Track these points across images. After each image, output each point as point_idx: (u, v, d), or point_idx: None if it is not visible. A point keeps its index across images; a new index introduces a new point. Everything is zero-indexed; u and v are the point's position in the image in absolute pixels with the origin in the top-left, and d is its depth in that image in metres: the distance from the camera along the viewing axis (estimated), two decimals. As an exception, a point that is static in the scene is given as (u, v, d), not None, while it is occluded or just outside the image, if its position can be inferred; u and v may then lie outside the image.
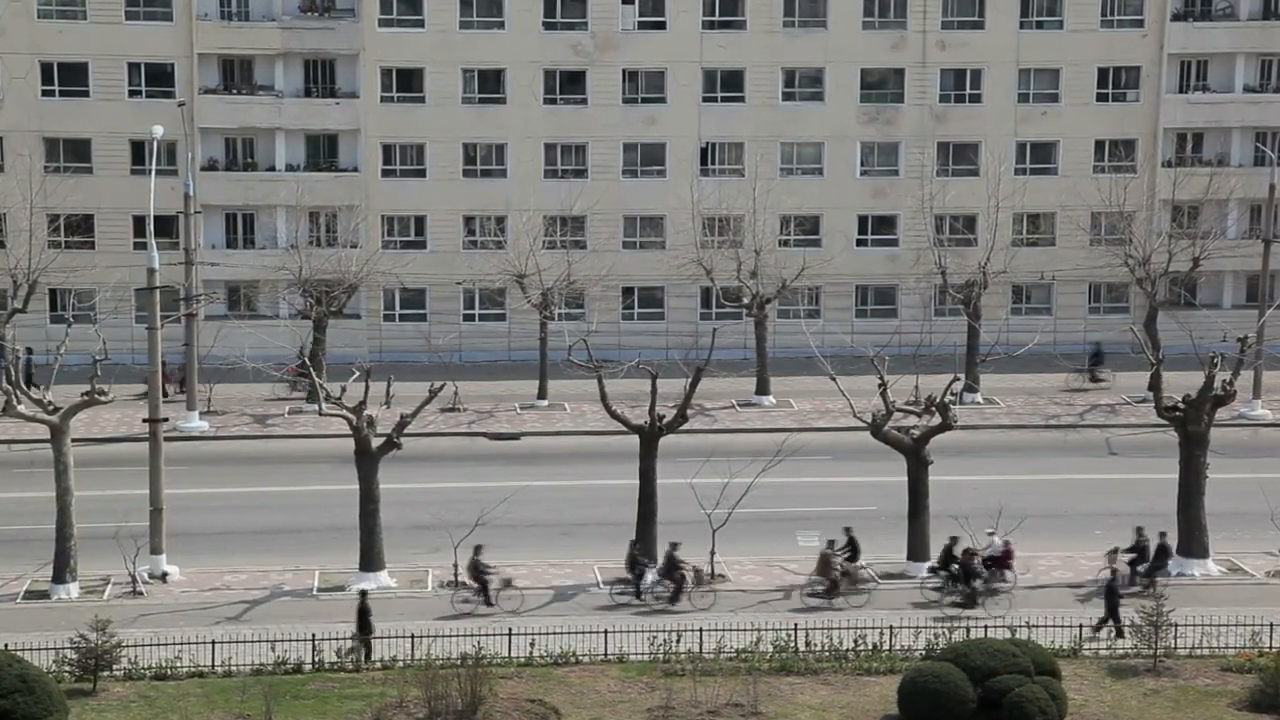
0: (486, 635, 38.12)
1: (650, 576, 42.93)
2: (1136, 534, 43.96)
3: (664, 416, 44.93)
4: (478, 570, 42.32)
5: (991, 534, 43.73)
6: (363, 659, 37.93)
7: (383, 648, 38.02)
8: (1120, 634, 39.46)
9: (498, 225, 70.31)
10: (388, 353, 68.89)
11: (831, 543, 43.48)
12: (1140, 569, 43.50)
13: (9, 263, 60.76)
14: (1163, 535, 43.77)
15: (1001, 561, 43.45)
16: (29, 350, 63.18)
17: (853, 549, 43.71)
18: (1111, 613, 40.04)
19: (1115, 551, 43.23)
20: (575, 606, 42.43)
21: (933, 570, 43.36)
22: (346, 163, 70.61)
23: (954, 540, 43.14)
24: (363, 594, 39.47)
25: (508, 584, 42.51)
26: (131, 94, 69.11)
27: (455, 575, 43.84)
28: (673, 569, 42.67)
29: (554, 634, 38.68)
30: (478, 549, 42.55)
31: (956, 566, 42.72)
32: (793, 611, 41.64)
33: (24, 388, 43.53)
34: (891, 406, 44.96)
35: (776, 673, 37.11)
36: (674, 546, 42.83)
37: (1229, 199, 70.41)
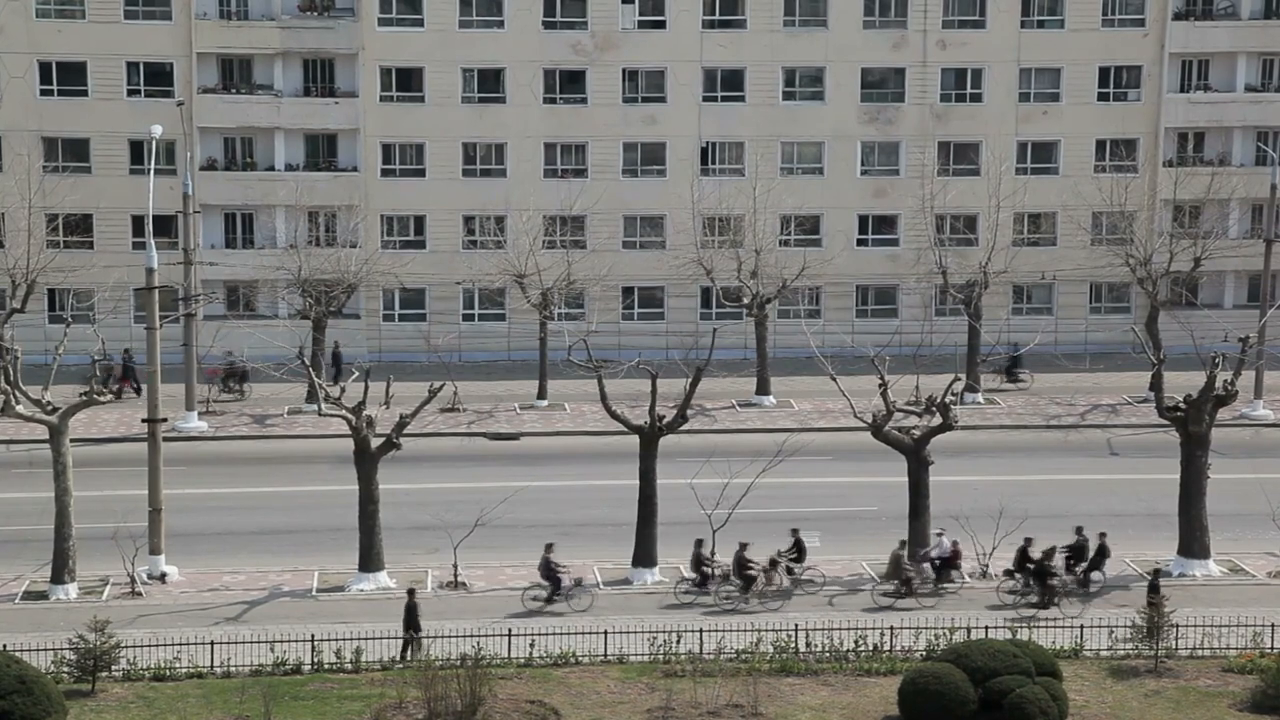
0: (486, 636, 38.04)
1: (716, 574, 43.05)
2: (1076, 533, 43.97)
3: (664, 417, 44.86)
4: (550, 569, 42.31)
5: (940, 535, 43.75)
6: (411, 655, 37.92)
7: (382, 648, 37.94)
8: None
9: (497, 225, 70.22)
10: (387, 353, 68.88)
11: (903, 543, 43.43)
12: (1079, 568, 43.52)
13: (7, 262, 60.69)
14: (1103, 536, 43.69)
15: (949, 562, 43.49)
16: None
17: (799, 551, 43.67)
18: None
19: (1054, 550, 43.38)
20: (645, 604, 42.38)
21: (1009, 572, 43.29)
22: (346, 162, 70.53)
23: (1029, 541, 43.18)
24: (411, 592, 39.40)
25: (578, 583, 42.60)
26: (130, 93, 69.02)
27: (455, 576, 43.82)
28: (743, 567, 42.69)
29: (553, 635, 38.63)
30: (549, 547, 42.63)
31: (1032, 567, 42.71)
32: (872, 611, 41.61)
33: (21, 387, 43.42)
34: (892, 407, 44.90)
35: (777, 674, 37.10)
36: (743, 546, 42.92)
37: (1230, 199, 70.32)
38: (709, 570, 43.02)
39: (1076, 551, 43.68)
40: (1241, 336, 47.98)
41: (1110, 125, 72.25)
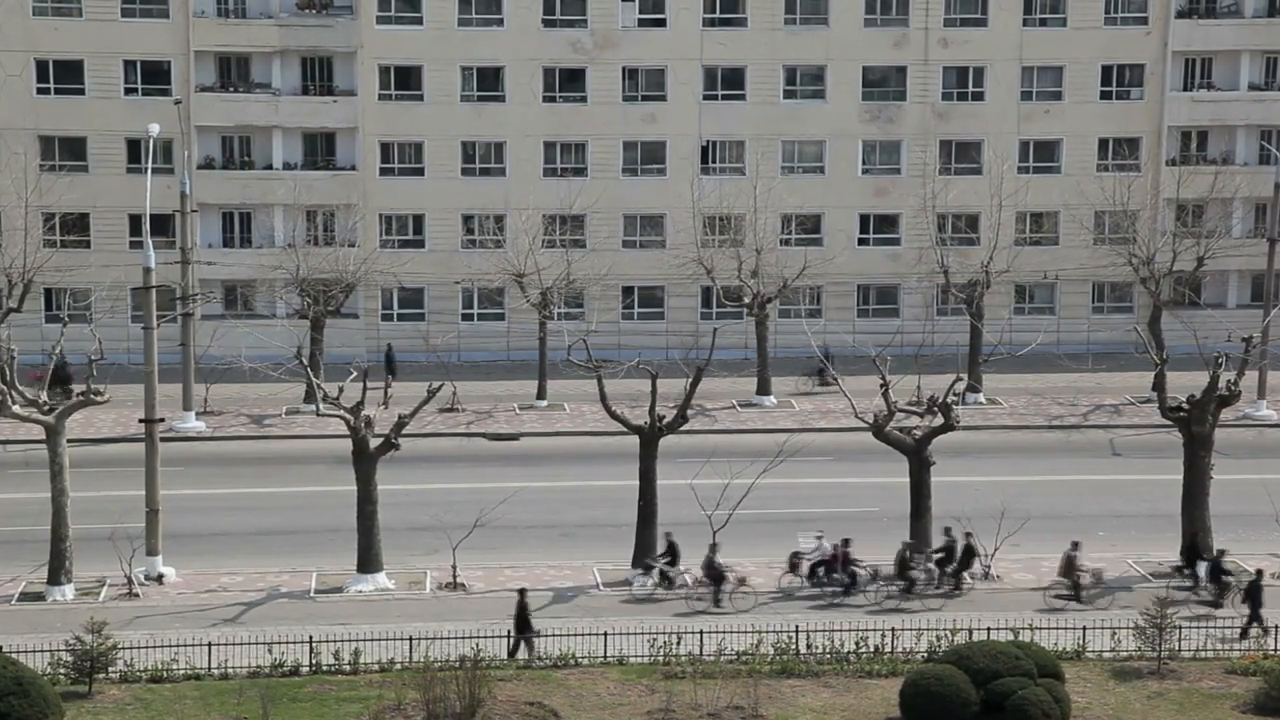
0: (484, 637, 37.92)
1: (864, 574, 43.01)
2: (945, 534, 43.80)
3: (664, 417, 44.80)
4: (713, 568, 42.27)
5: (820, 536, 43.53)
6: (528, 655, 38.02)
7: (380, 650, 37.78)
8: (1264, 631, 39.29)
9: (496, 224, 70.06)
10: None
11: (1076, 544, 43.21)
12: (948, 569, 43.38)
13: (4, 262, 60.55)
14: (969, 536, 43.51)
15: (831, 565, 43.26)
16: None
17: (672, 554, 43.38)
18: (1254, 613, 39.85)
19: (922, 551, 43.33)
20: (646, 605, 42.25)
21: (1178, 569, 43.15)
22: (344, 161, 70.42)
23: (1195, 537, 42.98)
24: (521, 592, 39.40)
25: (741, 582, 42.54)
26: (127, 92, 68.93)
27: (454, 577, 43.67)
28: (712, 567, 42.66)
29: (553, 636, 38.54)
30: (714, 547, 42.58)
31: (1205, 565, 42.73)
32: (874, 613, 41.50)
33: (18, 387, 43.21)
34: (893, 407, 44.80)
35: (777, 675, 36.98)
36: (713, 549, 42.79)
37: (1234, 198, 70.14)
38: (721, 573, 42.72)
39: (946, 552, 43.55)
40: (1245, 336, 47.99)
41: (1113, 124, 72.11)
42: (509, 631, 38.57)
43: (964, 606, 41.88)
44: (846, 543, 43.27)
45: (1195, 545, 43.21)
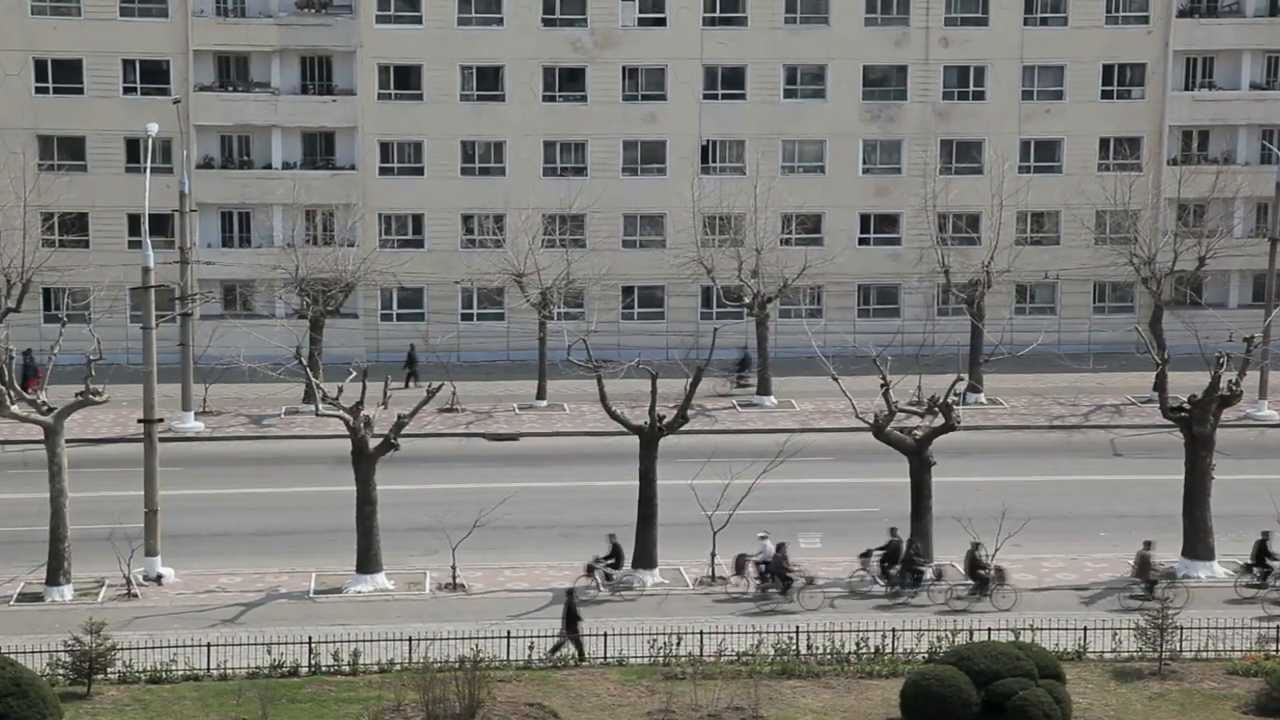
0: (485, 638, 37.86)
1: (929, 574, 42.99)
2: (890, 534, 43.72)
3: (664, 417, 44.73)
4: (781, 567, 42.30)
5: (763, 538, 43.39)
6: (577, 655, 38.02)
7: (380, 650, 37.73)
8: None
9: (496, 224, 69.96)
10: (385, 352, 68.57)
11: (1149, 544, 43.17)
12: (893, 570, 43.29)
13: (2, 262, 60.45)
14: (912, 537, 43.41)
15: (774, 567, 43.10)
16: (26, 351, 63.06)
17: (616, 557, 43.26)
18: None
19: (869, 554, 43.30)
20: (647, 605, 42.37)
21: (1247, 567, 43.17)
22: (343, 160, 70.33)
23: (1267, 535, 42.99)
24: (569, 592, 39.49)
25: (810, 581, 42.50)
26: (126, 91, 68.85)
27: (454, 577, 43.61)
28: (781, 568, 42.61)
29: (552, 637, 38.47)
30: (783, 546, 42.56)
31: (1274, 562, 42.69)
32: (873, 612, 41.36)
33: (16, 387, 43.11)
34: (894, 407, 44.73)
35: (778, 676, 36.94)
36: (781, 547, 42.73)
37: (1235, 197, 70.00)
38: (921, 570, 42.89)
39: (889, 553, 43.42)
40: (1246, 336, 47.88)
41: (1114, 123, 72.01)
42: (559, 630, 38.53)
43: (1031, 607, 41.62)
44: (782, 547, 43.17)
45: (1265, 544, 43.06)
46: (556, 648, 38.34)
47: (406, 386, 62.53)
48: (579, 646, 38.36)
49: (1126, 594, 42.63)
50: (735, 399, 64.08)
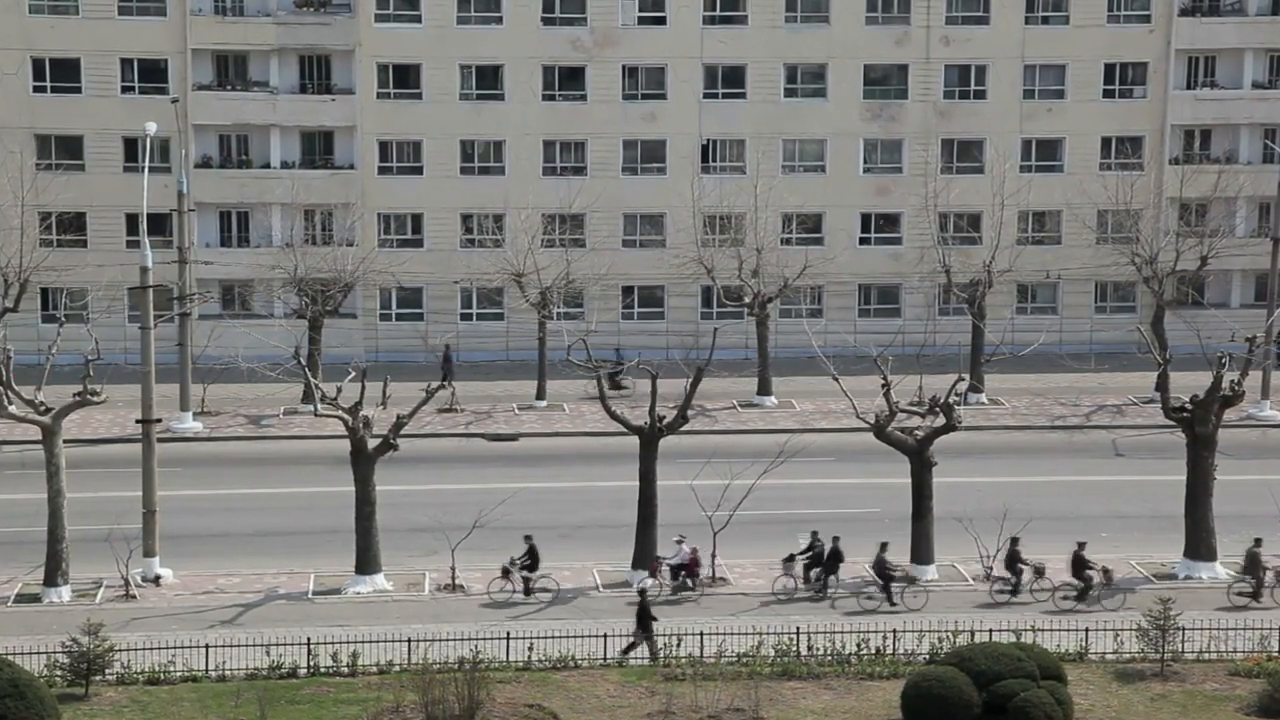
0: (484, 639, 37.79)
1: (1027, 574, 42.98)
2: (811, 537, 43.56)
3: (664, 417, 44.63)
4: (883, 568, 42.40)
5: (680, 541, 43.28)
6: (650, 655, 37.96)
7: (379, 651, 37.62)
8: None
9: (495, 223, 69.86)
10: (384, 352, 68.48)
11: (1259, 540, 43.06)
12: (814, 573, 43.13)
13: (0, 261, 60.19)
14: (836, 540, 43.27)
15: (689, 569, 43.07)
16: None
17: (532, 558, 43.06)
18: None
19: (791, 558, 43.15)
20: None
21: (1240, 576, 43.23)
22: (342, 160, 70.22)
23: (1259, 543, 42.93)
24: (642, 592, 39.43)
25: (913, 581, 42.76)
26: (124, 90, 68.78)
27: (453, 578, 43.52)
28: (883, 569, 42.60)
29: (552, 638, 38.36)
30: (883, 546, 42.60)
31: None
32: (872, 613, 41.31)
33: (14, 388, 43.01)
34: (895, 407, 44.59)
35: (778, 677, 36.83)
36: (883, 547, 42.73)
37: (1237, 196, 69.94)
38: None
39: (813, 556, 43.27)
40: (1248, 336, 47.75)
41: (1115, 122, 71.89)
42: (634, 630, 38.43)
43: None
44: (884, 547, 43.00)
45: (1257, 552, 42.98)
46: (630, 648, 38.28)
47: (444, 387, 62.92)
48: (652, 646, 38.26)
49: (1234, 590, 42.54)
50: (737, 401, 63.93)
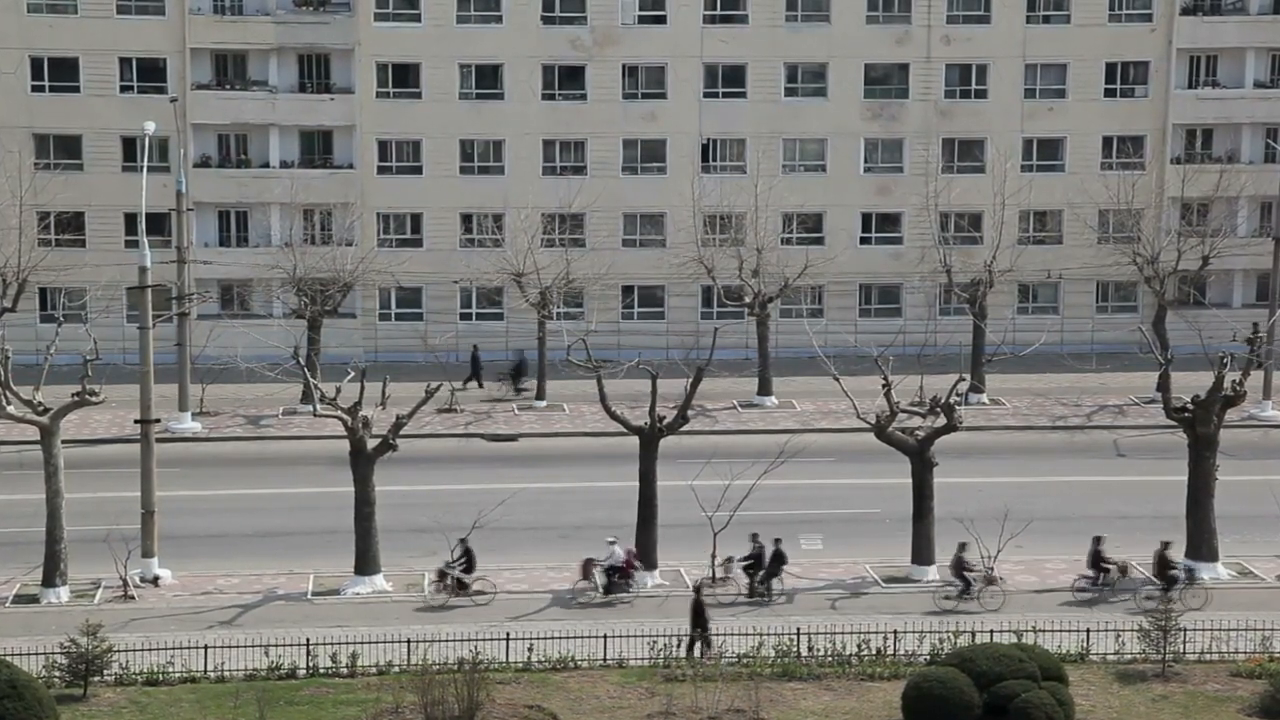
0: (484, 640, 37.69)
1: (1113, 572, 43.04)
2: (752, 540, 43.29)
3: (664, 417, 44.57)
4: (961, 566, 42.40)
5: (612, 543, 43.11)
6: (702, 653, 37.91)
7: (378, 652, 37.53)
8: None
9: (495, 223, 69.77)
10: (383, 352, 68.32)
11: (1099, 539, 43.19)
12: (756, 576, 42.92)
13: (-2, 261, 60.26)
14: (777, 542, 43.11)
15: (624, 570, 42.92)
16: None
17: (468, 561, 42.84)
18: None
19: (731, 560, 42.99)
20: (647, 607, 41.97)
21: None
22: (341, 159, 70.14)
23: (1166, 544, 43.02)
24: (697, 590, 39.37)
25: (991, 581, 42.45)
26: (123, 89, 68.74)
27: (452, 578, 43.31)
28: (961, 569, 42.60)
29: (552, 639, 38.32)
30: (963, 545, 42.59)
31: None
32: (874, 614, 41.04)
33: (12, 388, 42.92)
34: (896, 407, 44.46)
35: (778, 678, 36.75)
36: (962, 547, 42.74)
37: (1239, 196, 69.89)
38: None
39: (754, 559, 43.04)
40: (1250, 336, 47.58)
41: (1117, 122, 71.80)
42: (690, 629, 38.41)
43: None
44: (963, 547, 42.96)
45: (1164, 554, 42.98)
46: (691, 646, 38.23)
47: (465, 388, 63.55)
48: (707, 643, 38.21)
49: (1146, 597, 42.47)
50: (737, 401, 63.80)
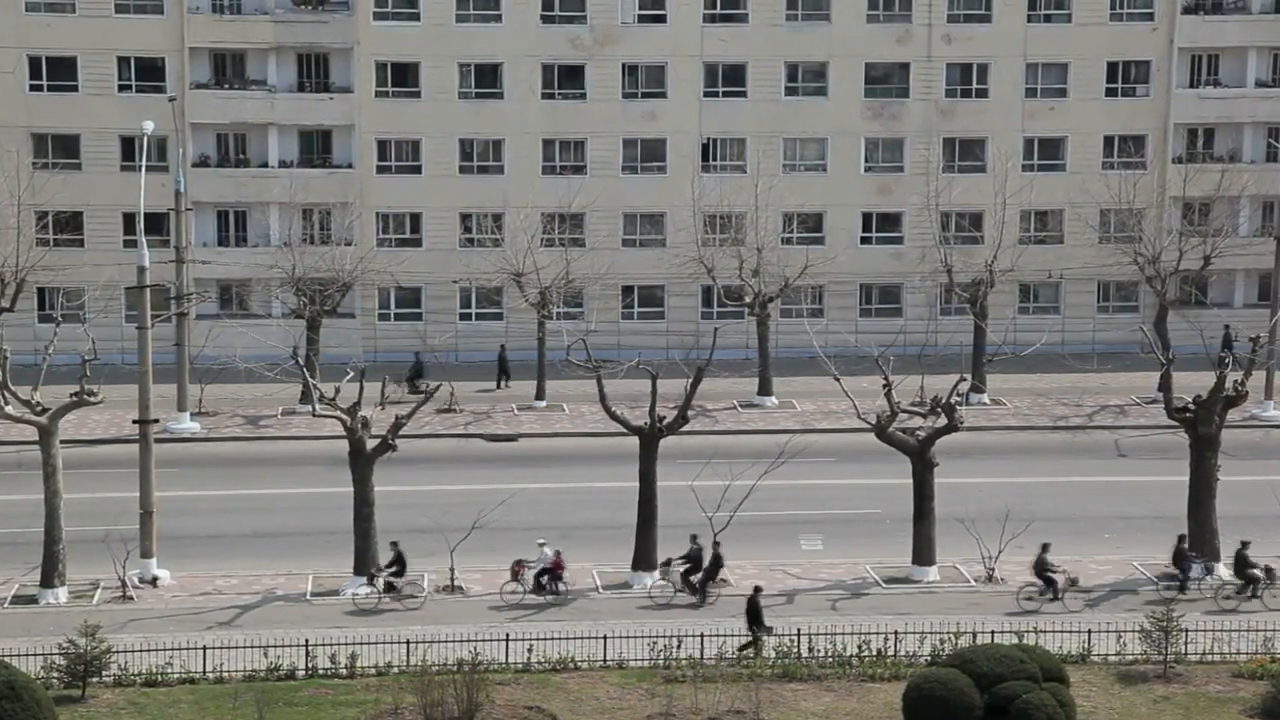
0: (483, 641, 37.67)
1: (1196, 570, 43.09)
2: (691, 541, 43.18)
3: (664, 418, 44.49)
4: (1044, 568, 42.47)
5: (542, 545, 43.10)
6: (756, 653, 37.96)
7: (377, 653, 37.49)
8: None
9: (495, 223, 69.64)
10: (382, 352, 68.17)
11: (1045, 545, 43.08)
12: (694, 578, 42.79)
13: (-4, 260, 60.16)
14: (716, 545, 42.98)
15: (553, 573, 42.87)
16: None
17: (399, 564, 42.62)
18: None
19: (669, 562, 42.90)
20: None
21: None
22: (340, 159, 70.01)
23: (1245, 544, 42.86)
24: (757, 589, 39.41)
25: (1074, 582, 42.70)
26: (121, 89, 68.56)
27: (452, 579, 43.46)
28: (1044, 569, 42.59)
29: (552, 640, 38.25)
30: (1045, 546, 42.63)
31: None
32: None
33: (11, 388, 42.84)
34: (896, 407, 44.38)
35: (779, 679, 36.75)
36: (1044, 548, 42.67)
37: (1240, 196, 69.80)
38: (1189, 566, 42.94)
39: (692, 561, 42.92)
40: (1252, 336, 47.59)
41: (1118, 121, 71.68)
42: (749, 629, 38.42)
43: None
44: (559, 553, 42.91)
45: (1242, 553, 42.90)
46: (749, 645, 38.28)
47: (499, 388, 63.96)
48: (758, 644, 38.21)
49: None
50: (737, 401, 63.70)
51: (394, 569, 42.61)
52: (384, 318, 71.03)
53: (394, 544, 42.82)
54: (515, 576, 42.79)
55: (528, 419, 62.08)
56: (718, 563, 42.87)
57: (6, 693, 32.39)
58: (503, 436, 60.09)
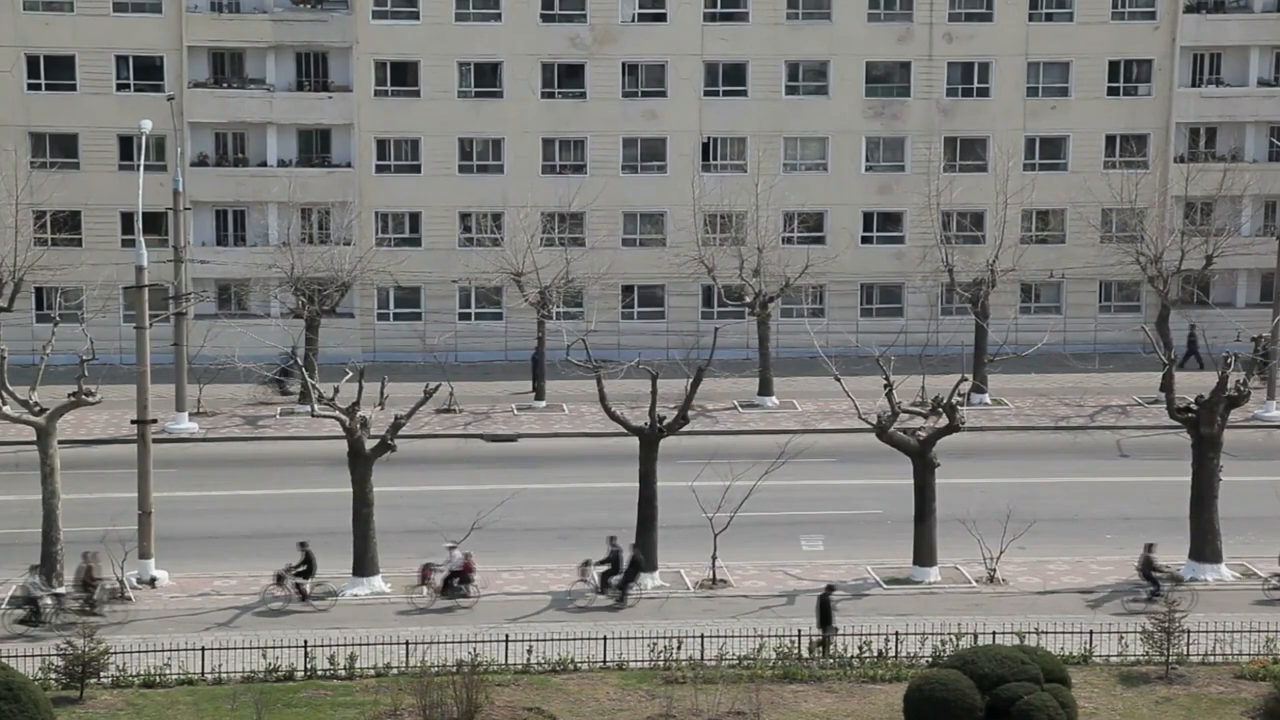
0: (483, 642, 37.60)
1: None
2: (609, 543, 43.00)
3: (664, 418, 44.45)
4: (1150, 568, 42.22)
5: (451, 548, 42.88)
6: (823, 653, 37.96)
7: (377, 654, 37.42)
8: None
9: (494, 222, 69.56)
10: (381, 352, 68.13)
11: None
12: (613, 580, 42.65)
13: (-6, 260, 60.05)
14: (635, 549, 42.85)
15: (463, 575, 42.67)
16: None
17: (308, 565, 42.54)
18: None
19: (588, 563, 42.74)
20: (646, 608, 41.79)
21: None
22: (339, 158, 69.94)
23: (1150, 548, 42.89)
24: (829, 588, 39.48)
25: (1178, 582, 42.30)
26: (119, 88, 68.51)
27: (452, 579, 43.10)
28: (1150, 570, 42.55)
29: (552, 640, 38.19)
30: (1149, 547, 42.52)
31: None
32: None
33: (8, 388, 42.72)
34: (897, 408, 44.29)
35: (779, 680, 36.72)
36: (1149, 548, 42.63)
37: (1243, 195, 69.71)
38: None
39: (611, 563, 42.75)
40: (1254, 336, 47.47)
41: (1120, 120, 71.60)
42: (818, 628, 38.39)
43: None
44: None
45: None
46: (821, 644, 38.22)
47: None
48: (826, 645, 38.20)
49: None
50: (738, 401, 63.56)
51: (303, 570, 42.39)
52: (383, 317, 70.94)
53: (302, 544, 42.68)
54: (424, 580, 42.55)
55: (527, 419, 61.99)
56: (637, 565, 42.63)
57: (4, 694, 32.26)
58: (502, 437, 60.01)
